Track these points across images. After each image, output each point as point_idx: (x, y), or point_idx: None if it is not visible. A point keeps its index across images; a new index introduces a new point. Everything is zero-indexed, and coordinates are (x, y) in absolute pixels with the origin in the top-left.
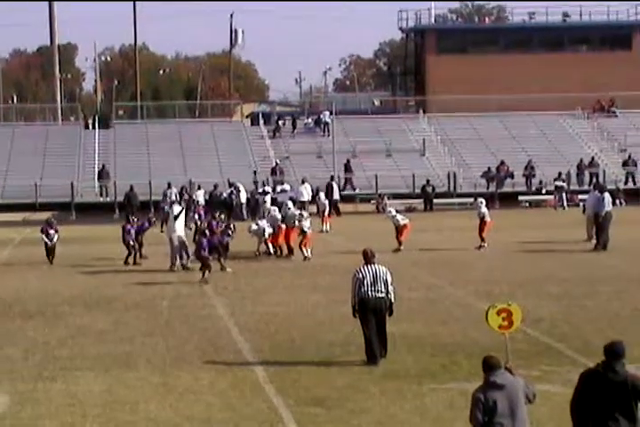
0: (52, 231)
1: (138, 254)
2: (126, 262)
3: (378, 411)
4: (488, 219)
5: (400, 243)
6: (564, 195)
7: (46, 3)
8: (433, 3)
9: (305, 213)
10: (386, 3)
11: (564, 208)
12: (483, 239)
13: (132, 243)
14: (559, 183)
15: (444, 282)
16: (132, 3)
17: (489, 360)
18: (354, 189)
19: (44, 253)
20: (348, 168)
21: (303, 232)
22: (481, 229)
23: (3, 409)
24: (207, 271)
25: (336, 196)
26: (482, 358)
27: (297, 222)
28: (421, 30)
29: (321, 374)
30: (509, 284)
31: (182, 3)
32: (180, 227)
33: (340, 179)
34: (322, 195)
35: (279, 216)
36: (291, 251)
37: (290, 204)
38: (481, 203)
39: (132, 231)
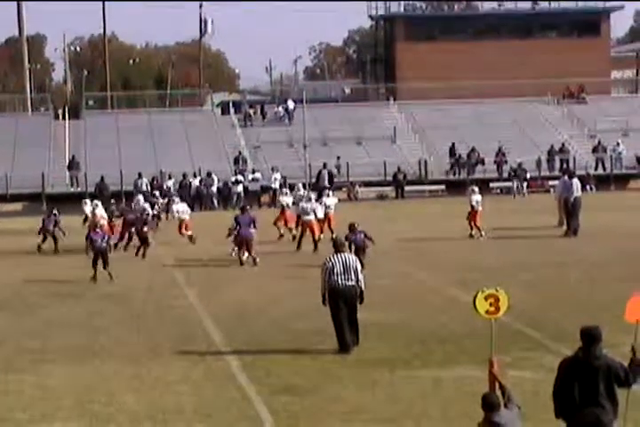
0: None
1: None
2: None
3: (350, 399)
4: (479, 208)
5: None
6: (523, 182)
7: None
8: None
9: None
10: None
11: (523, 195)
12: (478, 228)
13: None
14: (514, 171)
15: (416, 269)
16: None
17: (488, 400)
18: (459, 174)
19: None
20: (452, 152)
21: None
22: (474, 218)
23: None
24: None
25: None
26: (483, 398)
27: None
28: (391, 18)
29: (293, 362)
30: (481, 271)
31: None
32: None
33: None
34: (299, 185)
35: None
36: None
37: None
38: (473, 190)
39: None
